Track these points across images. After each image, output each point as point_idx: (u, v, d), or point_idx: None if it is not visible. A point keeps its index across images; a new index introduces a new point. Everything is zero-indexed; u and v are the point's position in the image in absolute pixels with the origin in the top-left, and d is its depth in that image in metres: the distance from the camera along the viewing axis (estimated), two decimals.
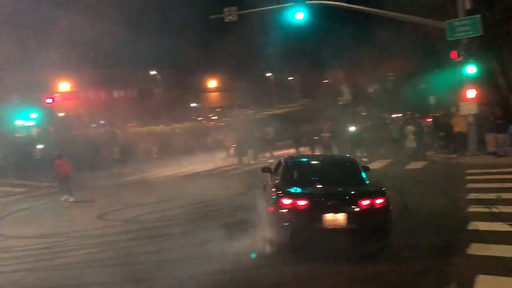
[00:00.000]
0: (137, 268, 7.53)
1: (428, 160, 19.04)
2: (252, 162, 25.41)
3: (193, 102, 63.59)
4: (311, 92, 60.39)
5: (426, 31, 22.28)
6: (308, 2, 18.47)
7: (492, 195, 10.23)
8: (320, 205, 7.20)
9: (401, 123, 23.76)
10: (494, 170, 14.01)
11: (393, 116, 33.99)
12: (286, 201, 7.30)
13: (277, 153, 26.74)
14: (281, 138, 33.33)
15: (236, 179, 18.46)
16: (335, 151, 21.26)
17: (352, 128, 22.94)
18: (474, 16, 16.19)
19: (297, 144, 24.66)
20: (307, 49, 50.12)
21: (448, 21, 16.67)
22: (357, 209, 7.06)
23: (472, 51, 16.43)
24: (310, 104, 49.69)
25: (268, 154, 26.27)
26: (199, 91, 67.28)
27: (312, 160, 10.29)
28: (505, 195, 10.12)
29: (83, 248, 9.20)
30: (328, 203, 7.16)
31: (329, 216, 7.07)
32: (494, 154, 16.77)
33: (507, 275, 5.73)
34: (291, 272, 6.68)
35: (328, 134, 21.27)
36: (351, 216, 7.04)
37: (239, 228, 9.49)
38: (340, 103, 61.18)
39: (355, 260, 6.91)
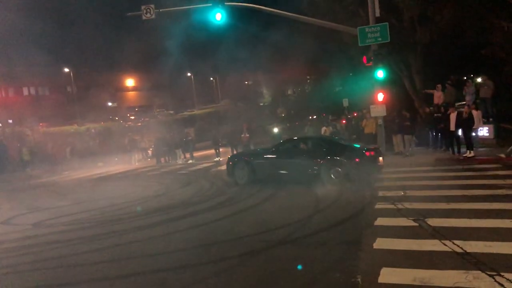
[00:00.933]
0: (48, 273, 7.17)
1: None
2: (180, 162, 25.12)
3: (109, 101, 61.54)
4: (232, 93, 60.82)
5: (342, 37, 23.27)
6: (227, 4, 18.52)
7: (398, 193, 10.91)
8: None
9: (316, 124, 24.61)
10: (400, 169, 14.92)
11: (310, 118, 35.14)
12: None
13: (197, 154, 26.63)
14: (201, 139, 33.17)
15: (153, 181, 18.13)
16: None
17: (275, 130, 23.44)
18: (383, 23, 17.12)
19: (216, 145, 24.71)
20: (228, 51, 50.42)
21: (360, 27, 17.48)
22: None
23: (381, 56, 17.36)
24: (231, 105, 49.94)
25: (188, 155, 26.06)
26: (116, 90, 65.26)
27: None
28: (410, 193, 10.84)
29: None
30: None
31: None
32: (401, 154, 17.86)
33: (408, 267, 6.14)
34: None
35: (247, 135, 21.54)
36: None
37: (153, 231, 9.38)
38: (260, 104, 62.19)
39: (266, 256, 7.05)
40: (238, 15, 23.42)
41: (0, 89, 51.49)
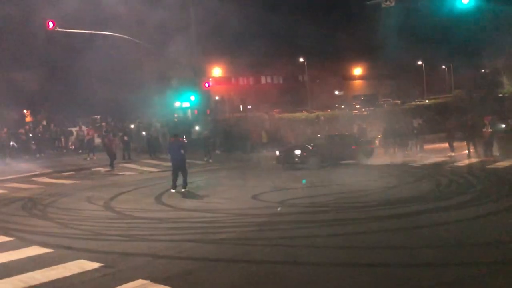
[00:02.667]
0: (290, 250, 7.81)
1: None
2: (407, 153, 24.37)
3: (337, 90, 63.13)
4: (466, 83, 55.93)
5: None
6: None
7: None
8: None
9: None
10: None
11: None
12: None
13: (427, 147, 25.33)
14: (431, 131, 31.41)
15: (383, 171, 17.94)
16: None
17: None
18: None
19: (451, 138, 23.02)
20: (463, 36, 46.24)
21: None
22: None
23: None
24: (464, 96, 45.93)
25: (415, 148, 24.95)
26: (344, 79, 66.53)
27: None
28: None
29: (241, 226, 9.80)
30: None
31: None
32: None
33: None
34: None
35: (490, 130, 19.40)
36: None
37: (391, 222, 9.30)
38: (499, 95, 55.62)
39: None
40: None
41: (243, 78, 57.80)
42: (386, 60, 54.20)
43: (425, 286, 6.03)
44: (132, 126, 31.63)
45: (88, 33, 25.36)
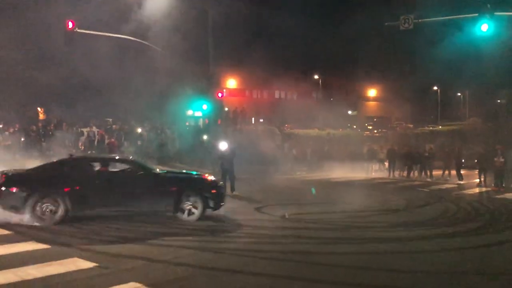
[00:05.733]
0: (291, 265, 7.65)
1: None
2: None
3: (350, 109, 62.93)
4: (481, 111, 55.44)
5: None
6: (497, 14, 16.85)
7: None
8: None
9: None
10: None
11: None
12: None
13: (436, 172, 25.07)
14: (440, 157, 31.07)
15: (391, 193, 17.73)
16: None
17: None
18: None
19: (458, 166, 22.87)
20: (482, 65, 45.92)
21: None
22: None
23: None
24: (479, 124, 45.53)
25: (424, 174, 24.78)
26: (358, 98, 66.36)
27: None
28: None
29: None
30: None
31: None
32: None
33: None
34: None
35: (502, 159, 19.09)
36: None
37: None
38: None
39: None
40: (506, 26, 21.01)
41: (257, 91, 57.97)
42: (402, 83, 54.01)
43: None
44: (139, 130, 31.65)
45: (105, 35, 25.53)
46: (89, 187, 10.45)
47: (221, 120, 31.70)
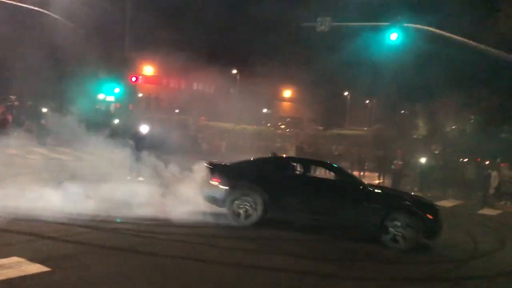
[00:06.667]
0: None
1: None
2: None
3: (265, 108, 63.99)
4: (386, 120, 58.90)
5: None
6: (406, 25, 17.89)
7: None
8: None
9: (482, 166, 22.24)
10: None
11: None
12: None
13: None
14: (345, 159, 32.56)
15: None
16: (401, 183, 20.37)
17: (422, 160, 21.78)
18: None
19: (361, 167, 24.21)
20: (392, 74, 48.72)
21: None
22: None
23: None
24: (382, 131, 48.34)
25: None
26: (273, 98, 67.62)
27: None
28: None
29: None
30: None
31: None
32: None
33: None
34: None
35: (400, 162, 20.33)
36: None
37: None
38: (414, 136, 59.04)
39: None
40: (414, 36, 22.17)
41: (174, 81, 56.95)
42: (315, 86, 55.89)
43: None
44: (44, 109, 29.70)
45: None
46: (293, 191, 9.64)
47: (133, 106, 30.71)
